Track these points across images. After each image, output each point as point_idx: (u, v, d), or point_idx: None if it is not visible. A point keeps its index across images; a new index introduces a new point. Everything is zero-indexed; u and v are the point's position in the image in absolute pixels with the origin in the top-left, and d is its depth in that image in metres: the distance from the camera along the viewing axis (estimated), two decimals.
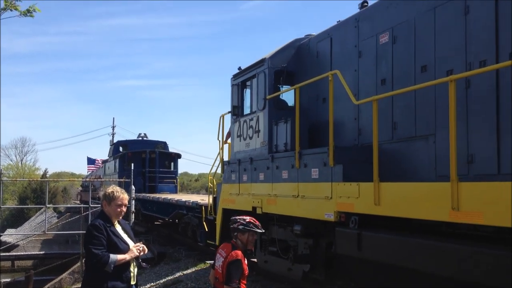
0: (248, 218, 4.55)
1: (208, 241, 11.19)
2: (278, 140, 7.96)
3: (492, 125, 4.82)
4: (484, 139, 4.91)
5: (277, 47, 8.69)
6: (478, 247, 4.23)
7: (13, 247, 23.02)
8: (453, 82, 4.45)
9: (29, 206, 41.13)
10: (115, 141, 38.73)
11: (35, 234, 24.15)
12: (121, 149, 25.23)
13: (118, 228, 4.33)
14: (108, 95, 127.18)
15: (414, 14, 5.89)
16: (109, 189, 4.38)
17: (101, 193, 4.52)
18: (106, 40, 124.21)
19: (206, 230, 11.35)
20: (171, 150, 25.58)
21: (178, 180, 24.10)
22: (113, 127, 49.65)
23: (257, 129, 8.71)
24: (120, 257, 4.06)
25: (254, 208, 8.46)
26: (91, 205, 15.37)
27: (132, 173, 16.01)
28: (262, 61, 8.60)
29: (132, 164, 16.86)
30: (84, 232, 13.62)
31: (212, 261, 12.38)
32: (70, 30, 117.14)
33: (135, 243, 4.36)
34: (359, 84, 6.92)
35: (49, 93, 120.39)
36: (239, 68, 9.56)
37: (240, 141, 9.46)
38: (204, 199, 13.05)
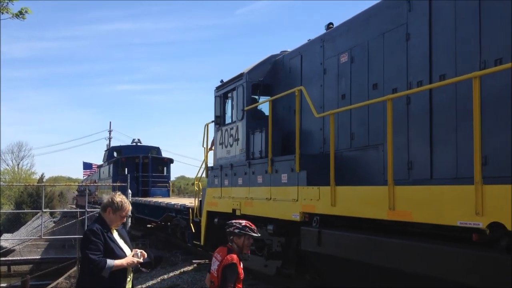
0: (244, 222, 4.58)
1: (194, 242, 11.93)
2: (254, 148, 8.74)
3: (426, 137, 5.61)
4: (421, 148, 5.70)
5: (255, 63, 9.48)
6: (406, 240, 5.01)
7: (9, 252, 23.10)
8: (390, 101, 5.25)
9: (26, 211, 41.64)
10: (112, 145, 39.42)
11: (31, 238, 24.31)
12: (115, 154, 25.98)
13: (115, 233, 4.31)
14: (105, 99, 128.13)
15: (367, 38, 6.68)
16: (118, 198, 4.27)
17: (105, 199, 4.39)
18: (103, 45, 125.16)
19: (193, 231, 12.09)
20: (166, 154, 26.36)
21: (171, 184, 24.81)
22: (110, 131, 49.73)
23: (236, 137, 9.49)
24: (117, 262, 4.03)
25: (234, 210, 9.21)
26: (87, 210, 15.61)
27: (129, 178, 16.59)
28: (240, 75, 9.38)
29: (126, 169, 17.58)
30: (81, 236, 14.01)
31: (198, 261, 13.04)
32: (67, 35, 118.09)
33: (131, 249, 4.36)
34: (324, 98, 7.70)
35: (46, 98, 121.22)
36: (221, 81, 10.35)
37: (222, 148, 10.24)
38: (193, 202, 13.74)
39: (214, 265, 4.41)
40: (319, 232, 6.46)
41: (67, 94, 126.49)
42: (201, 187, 11.77)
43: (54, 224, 30.53)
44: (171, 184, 24.41)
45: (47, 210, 34.30)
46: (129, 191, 16.36)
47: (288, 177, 7.38)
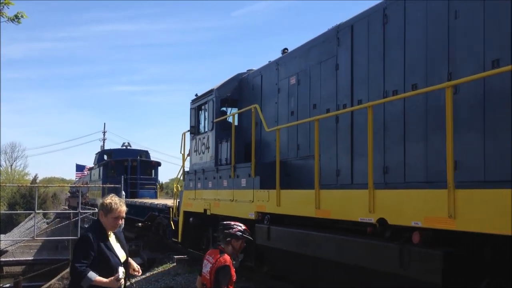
0: (243, 226, 4.59)
1: (173, 239, 13.16)
2: (221, 155, 9.99)
3: (349, 150, 6.87)
4: (345, 159, 6.96)
5: (223, 80, 10.73)
6: (327, 233, 6.26)
7: (1, 253, 22.78)
8: (317, 122, 6.51)
9: (18, 211, 42.35)
10: (106, 146, 40.46)
11: (24, 240, 24.11)
12: (105, 157, 27.15)
13: (112, 238, 4.23)
14: (102, 101, 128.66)
15: (309, 65, 7.95)
16: (107, 199, 4.21)
17: (98, 202, 4.37)
18: (100, 46, 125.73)
19: (173, 228, 13.32)
20: (162, 156, 27.61)
21: (159, 185, 25.99)
22: (104, 133, 49.84)
23: (207, 145, 10.74)
24: (98, 278, 3.89)
25: (205, 210, 10.45)
26: (80, 211, 15.87)
27: (122, 180, 17.09)
28: (211, 91, 10.63)
29: (116, 172, 18.69)
30: (74, 238, 14.72)
31: (178, 256, 14.17)
32: (65, 36, 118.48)
33: (127, 252, 4.33)
34: (278, 113, 8.96)
35: (43, 99, 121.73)
36: (196, 95, 11.60)
37: (196, 155, 11.49)
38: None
39: (207, 268, 4.36)
40: (268, 228, 7.71)
41: (65, 96, 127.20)
42: (180, 190, 13.00)
43: (47, 225, 30.93)
44: (158, 186, 25.58)
45: (40, 211, 34.97)
46: (123, 192, 16.69)
47: (246, 181, 8.64)
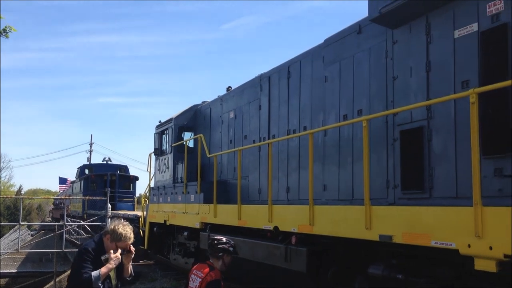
0: (232, 241, 4.71)
1: (140, 246, 14.93)
2: (178, 174, 11.86)
3: (266, 174, 8.77)
4: (266, 180, 8.86)
5: (181, 110, 12.64)
6: (245, 238, 8.13)
7: None
8: (240, 151, 8.42)
9: (3, 223, 43.18)
10: (92, 158, 41.83)
11: (8, 252, 23.51)
12: (86, 171, 28.80)
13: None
14: (87, 112, 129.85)
15: (242, 104, 9.89)
16: (120, 229, 4.19)
17: (111, 225, 4.28)
18: (86, 57, 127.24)
19: (142, 236, 15.09)
20: (144, 169, 29.13)
21: (136, 198, 27.69)
22: (91, 144, 50.11)
23: (168, 166, 12.60)
24: (103, 270, 4.03)
25: (165, 221, 12.27)
26: (65, 223, 16.51)
27: (108, 193, 18.08)
28: (171, 120, 12.52)
29: (96, 185, 20.36)
30: (58, 250, 15.94)
31: (145, 261, 15.78)
32: (50, 47, 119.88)
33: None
34: (221, 141, 10.87)
35: (28, 110, 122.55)
36: (160, 121, 13.48)
37: (159, 173, 13.34)
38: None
39: (195, 282, 4.33)
40: (208, 235, 9.56)
41: (49, 106, 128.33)
42: (147, 203, 14.81)
43: (31, 237, 31.55)
44: (136, 199, 27.27)
45: (25, 223, 35.93)
46: (109, 205, 17.82)
47: (194, 197, 10.50)
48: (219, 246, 4.55)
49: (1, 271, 22.49)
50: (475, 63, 4.71)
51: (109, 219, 16.32)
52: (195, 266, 4.55)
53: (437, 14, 5.20)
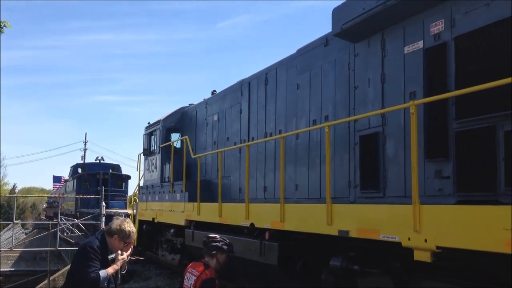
0: (228, 240, 4.67)
1: None
2: (165, 174, 12.38)
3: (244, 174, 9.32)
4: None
5: (169, 112, 13.16)
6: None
7: None
8: (220, 153, 8.96)
9: None
10: (87, 156, 42.23)
11: (1, 250, 23.06)
12: (79, 170, 29.25)
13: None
14: (82, 110, 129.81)
15: (225, 107, 10.43)
16: (127, 227, 4.20)
17: (113, 224, 4.23)
18: (81, 55, 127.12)
19: None
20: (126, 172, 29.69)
21: (128, 197, 28.16)
22: (85, 143, 49.84)
23: (156, 166, 13.12)
24: (110, 270, 4.05)
25: (153, 219, 12.79)
26: (59, 222, 16.36)
27: (102, 192, 17.61)
28: (159, 122, 13.04)
29: (88, 184, 20.80)
30: (52, 249, 16.15)
31: (135, 257, 16.30)
32: (45, 45, 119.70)
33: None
34: (206, 142, 11.40)
35: (22, 108, 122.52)
36: (148, 123, 14.00)
37: (148, 173, 13.86)
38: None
39: (190, 280, 4.32)
40: (192, 232, 10.11)
41: (44, 104, 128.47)
42: (137, 201, 15.32)
43: (25, 236, 31.60)
44: (128, 197, 27.73)
45: (19, 221, 36.08)
46: (103, 203, 17.67)
47: (179, 196, 11.03)
48: (212, 244, 4.51)
49: None
50: (420, 76, 5.27)
51: (103, 218, 16.44)
52: (190, 264, 4.53)
53: (391, 31, 5.76)
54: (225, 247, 4.53)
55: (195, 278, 4.28)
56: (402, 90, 5.54)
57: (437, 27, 5.12)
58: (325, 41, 7.02)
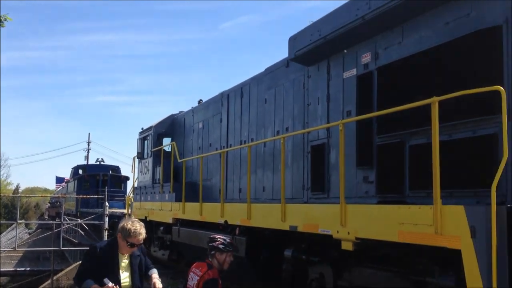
0: (228, 239, 4.61)
1: None
2: (156, 176, 13.50)
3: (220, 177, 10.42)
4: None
5: (161, 118, 14.28)
6: (203, 230, 9.76)
7: None
8: (201, 158, 10.06)
9: (0, 222, 44.45)
10: (90, 157, 43.36)
11: (5, 250, 22.62)
12: (80, 171, 30.42)
13: (125, 262, 4.23)
14: (85, 110, 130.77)
15: (208, 116, 11.54)
16: (128, 224, 4.19)
17: (121, 223, 4.29)
18: (85, 55, 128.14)
19: None
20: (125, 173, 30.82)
21: (127, 197, 29.26)
22: (89, 143, 51.26)
23: (148, 168, 14.24)
24: (94, 286, 3.95)
25: (145, 217, 13.90)
26: (63, 222, 16.90)
27: (106, 193, 18.31)
28: (151, 127, 14.16)
29: (89, 185, 21.87)
30: (56, 249, 16.98)
31: None
32: (49, 45, 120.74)
33: (136, 282, 4.24)
34: (193, 147, 12.50)
35: (25, 108, 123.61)
36: (142, 128, 15.12)
37: (141, 175, 14.98)
38: None
39: (193, 280, 4.37)
40: (178, 229, 11.21)
41: (47, 105, 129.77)
42: (132, 201, 16.44)
43: (29, 236, 32.01)
44: (127, 198, 28.85)
45: (22, 221, 36.51)
46: (107, 203, 18.03)
47: (168, 196, 12.14)
48: (210, 244, 4.52)
49: None
50: (354, 98, 6.35)
51: (106, 218, 16.79)
52: (194, 264, 4.55)
53: (335, 58, 6.84)
54: (221, 246, 4.48)
55: (198, 278, 4.33)
56: (341, 109, 6.62)
57: (366, 58, 6.20)
58: (286, 63, 8.11)
